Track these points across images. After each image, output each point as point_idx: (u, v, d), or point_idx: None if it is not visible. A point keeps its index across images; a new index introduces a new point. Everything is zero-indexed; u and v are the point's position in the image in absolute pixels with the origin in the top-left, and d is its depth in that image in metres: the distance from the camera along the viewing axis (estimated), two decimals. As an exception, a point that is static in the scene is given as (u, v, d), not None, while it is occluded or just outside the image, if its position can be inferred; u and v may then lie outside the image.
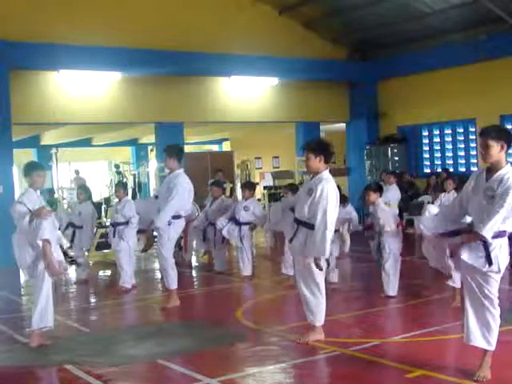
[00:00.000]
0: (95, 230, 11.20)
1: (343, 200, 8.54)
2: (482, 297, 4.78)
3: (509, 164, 4.65)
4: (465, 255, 4.74)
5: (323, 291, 6.08)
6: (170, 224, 7.74)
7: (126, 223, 9.33)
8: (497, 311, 4.80)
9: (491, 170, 4.69)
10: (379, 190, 8.25)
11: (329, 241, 5.88)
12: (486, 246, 4.64)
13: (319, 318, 6.07)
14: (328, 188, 5.88)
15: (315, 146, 6.10)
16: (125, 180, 19.38)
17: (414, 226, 5.09)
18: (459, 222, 4.96)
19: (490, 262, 4.63)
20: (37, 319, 6.18)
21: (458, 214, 4.97)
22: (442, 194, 10.44)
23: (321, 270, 5.93)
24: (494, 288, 4.77)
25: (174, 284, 7.96)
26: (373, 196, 8.06)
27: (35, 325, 6.20)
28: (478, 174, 4.83)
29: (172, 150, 8.03)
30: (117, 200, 9.92)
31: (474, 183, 4.81)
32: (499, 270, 4.70)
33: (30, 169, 6.32)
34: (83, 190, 10.56)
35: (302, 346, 5.90)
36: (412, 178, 16.15)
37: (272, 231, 12.15)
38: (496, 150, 4.60)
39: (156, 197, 8.38)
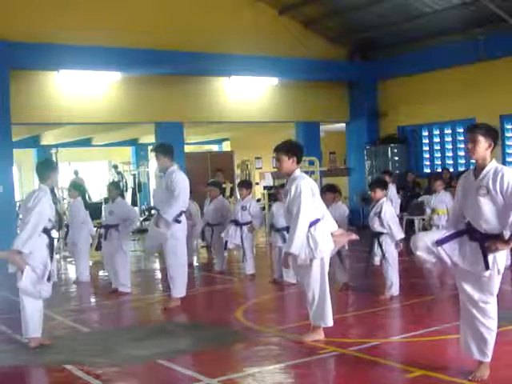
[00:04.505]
0: (95, 229, 11.14)
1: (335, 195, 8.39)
2: (472, 308, 4.71)
3: (494, 160, 4.66)
4: (460, 262, 4.71)
5: (327, 292, 6.01)
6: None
7: (118, 225, 9.09)
8: (491, 320, 4.71)
9: (477, 168, 4.69)
10: (385, 186, 8.01)
11: (299, 238, 5.76)
12: (483, 249, 4.57)
13: (324, 320, 6.01)
14: (301, 185, 5.84)
15: (288, 147, 6.05)
16: (124, 180, 19.39)
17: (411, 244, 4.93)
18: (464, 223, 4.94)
19: (487, 265, 4.55)
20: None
21: (461, 216, 4.93)
22: (433, 195, 10.37)
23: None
24: (486, 296, 4.68)
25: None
26: (379, 193, 7.80)
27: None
28: (465, 175, 4.83)
29: (164, 148, 8.04)
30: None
31: (462, 186, 4.80)
32: (499, 272, 4.64)
33: (50, 168, 6.27)
34: (72, 187, 10.60)
35: (302, 346, 5.89)
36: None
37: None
38: (483, 146, 4.62)
39: (147, 209, 8.19)
